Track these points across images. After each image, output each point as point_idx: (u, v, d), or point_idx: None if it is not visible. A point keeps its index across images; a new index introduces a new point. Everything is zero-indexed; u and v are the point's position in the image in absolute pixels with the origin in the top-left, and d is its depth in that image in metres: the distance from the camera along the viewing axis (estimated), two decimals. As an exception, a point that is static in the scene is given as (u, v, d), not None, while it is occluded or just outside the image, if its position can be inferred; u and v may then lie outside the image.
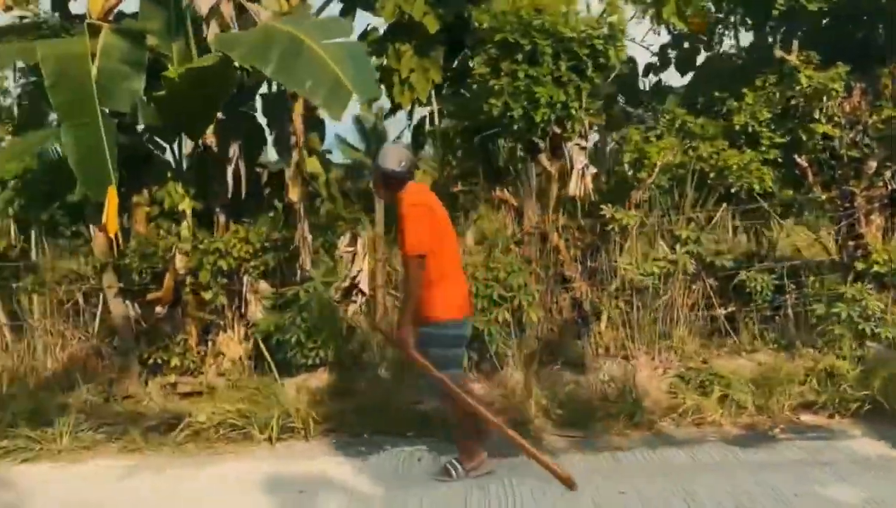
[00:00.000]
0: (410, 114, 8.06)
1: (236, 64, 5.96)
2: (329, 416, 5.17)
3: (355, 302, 6.67)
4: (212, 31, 6.36)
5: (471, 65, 6.47)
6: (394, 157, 4.14)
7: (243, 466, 4.47)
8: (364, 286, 6.60)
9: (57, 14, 7.51)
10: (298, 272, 6.75)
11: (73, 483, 4.34)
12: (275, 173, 7.89)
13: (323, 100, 4.98)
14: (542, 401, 5.22)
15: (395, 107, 7.56)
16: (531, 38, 5.78)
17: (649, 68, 8.91)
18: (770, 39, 7.45)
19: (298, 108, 7.58)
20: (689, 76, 8.32)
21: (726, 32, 8.12)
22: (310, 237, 6.31)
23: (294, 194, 7.48)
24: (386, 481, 4.25)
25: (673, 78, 10.43)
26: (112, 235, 6.33)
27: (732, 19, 7.77)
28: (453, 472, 4.19)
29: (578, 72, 5.97)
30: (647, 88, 8.98)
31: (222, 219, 7.03)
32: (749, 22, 7.58)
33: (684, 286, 6.57)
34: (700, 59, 8.34)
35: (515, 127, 5.97)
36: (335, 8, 7.10)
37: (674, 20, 6.81)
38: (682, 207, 6.51)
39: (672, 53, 8.61)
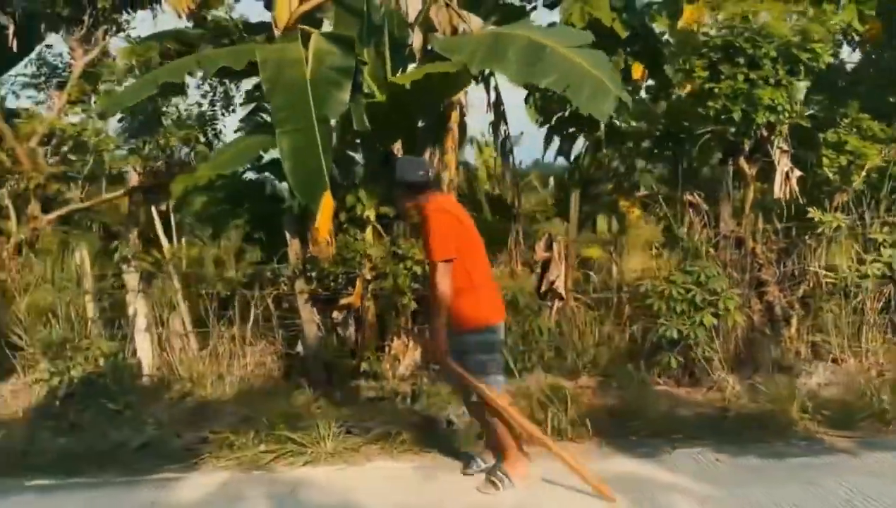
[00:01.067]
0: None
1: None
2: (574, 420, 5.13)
3: (550, 306, 6.69)
4: (417, 37, 6.39)
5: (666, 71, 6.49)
6: (412, 168, 4.18)
7: (543, 465, 4.46)
8: (561, 290, 6.60)
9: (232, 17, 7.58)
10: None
11: (373, 485, 4.31)
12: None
13: (585, 100, 4.98)
14: (805, 403, 5.18)
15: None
16: (754, 42, 5.81)
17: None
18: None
19: (455, 117, 7.63)
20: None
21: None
22: (522, 242, 6.27)
23: None
24: (716, 481, 4.20)
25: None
26: (323, 241, 6.35)
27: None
28: (499, 484, 4.13)
29: (792, 75, 6.00)
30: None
31: (403, 224, 7.04)
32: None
33: (874, 289, 6.59)
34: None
35: (733, 129, 5.99)
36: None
37: (856, 24, 6.85)
38: (879, 210, 6.52)
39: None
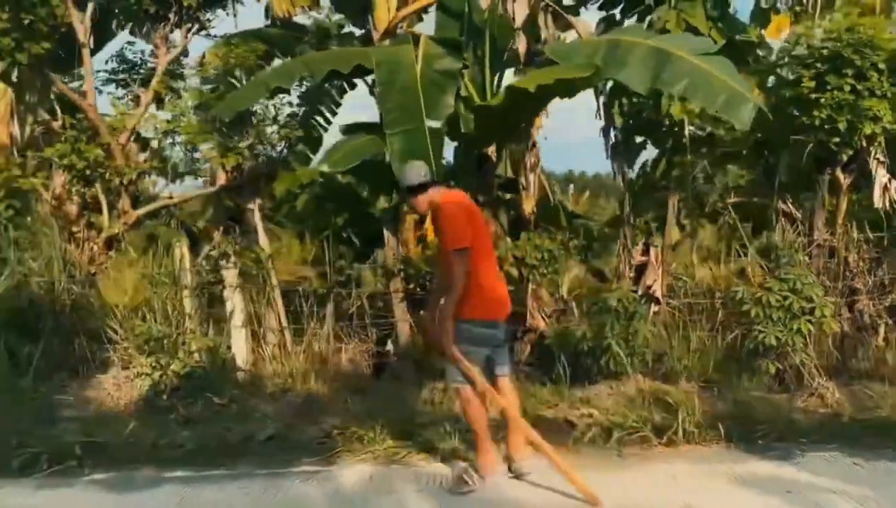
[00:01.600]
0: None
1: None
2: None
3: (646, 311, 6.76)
4: (522, 42, 6.48)
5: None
6: (413, 172, 4.37)
7: (682, 467, 4.53)
8: (659, 295, 6.68)
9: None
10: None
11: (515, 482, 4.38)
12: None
13: (721, 108, 5.05)
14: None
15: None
16: (861, 53, 5.91)
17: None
18: None
19: (539, 122, 7.73)
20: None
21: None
22: (630, 247, 6.34)
23: (528, 206, 7.64)
24: (862, 483, 4.25)
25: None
26: (433, 241, 6.43)
27: None
28: (469, 480, 4.23)
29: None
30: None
31: (494, 226, 7.12)
32: None
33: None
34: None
35: (837, 139, 6.08)
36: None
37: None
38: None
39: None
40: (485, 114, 6.28)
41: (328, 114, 8.24)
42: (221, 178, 7.66)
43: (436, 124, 6.02)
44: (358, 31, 8.56)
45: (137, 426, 5.18)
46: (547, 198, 8.79)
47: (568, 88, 5.73)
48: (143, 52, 8.66)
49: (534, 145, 6.80)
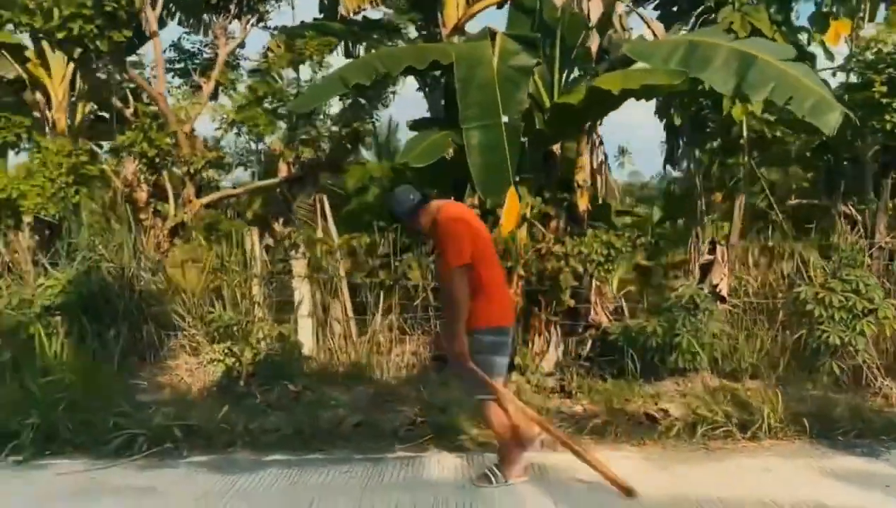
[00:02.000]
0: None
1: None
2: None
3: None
4: (595, 40, 6.56)
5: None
6: (402, 197, 4.34)
7: (773, 461, 4.62)
8: (725, 293, 6.77)
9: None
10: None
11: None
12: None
13: (809, 113, 5.13)
14: None
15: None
16: (937, 59, 6.02)
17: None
18: None
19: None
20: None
21: None
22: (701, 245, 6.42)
23: (582, 204, 7.73)
24: None
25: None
26: (506, 234, 6.51)
27: None
28: (493, 478, 4.22)
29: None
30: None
31: (558, 222, 7.22)
32: None
33: None
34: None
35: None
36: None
37: None
38: None
39: None
40: (560, 112, 6.36)
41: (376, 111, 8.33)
42: (283, 170, 7.75)
43: (512, 120, 6.11)
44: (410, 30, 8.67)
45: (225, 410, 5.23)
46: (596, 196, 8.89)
47: (649, 92, 5.80)
48: (200, 41, 8.74)
49: (601, 143, 6.87)
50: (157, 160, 6.99)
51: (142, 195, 7.08)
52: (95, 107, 8.64)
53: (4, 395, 5.09)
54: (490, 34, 6.42)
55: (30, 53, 8.29)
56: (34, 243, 6.76)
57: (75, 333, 6.18)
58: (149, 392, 6.04)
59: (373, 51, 7.92)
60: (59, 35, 5.86)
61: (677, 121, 7.56)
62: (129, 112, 7.19)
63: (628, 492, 4.00)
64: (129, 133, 6.91)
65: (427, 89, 9.22)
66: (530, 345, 6.95)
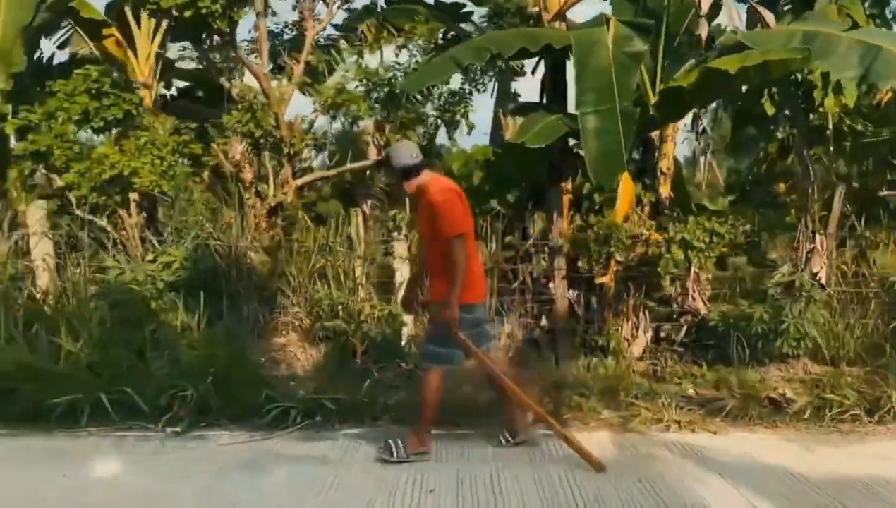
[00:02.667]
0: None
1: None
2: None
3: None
4: (704, 28, 6.62)
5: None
6: (405, 152, 4.32)
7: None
8: (824, 281, 6.88)
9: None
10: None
11: (768, 454, 4.56)
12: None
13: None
14: None
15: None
16: None
17: None
18: None
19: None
20: None
21: None
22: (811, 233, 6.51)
23: (665, 190, 7.82)
24: None
25: None
26: (619, 221, 6.60)
27: None
28: (394, 451, 4.26)
29: None
30: None
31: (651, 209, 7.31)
32: None
33: None
34: None
35: None
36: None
37: None
38: None
39: None
40: (669, 96, 6.44)
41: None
42: (372, 153, 7.82)
43: (627, 106, 6.20)
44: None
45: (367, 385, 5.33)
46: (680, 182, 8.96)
47: (762, 72, 5.87)
48: (286, 23, 8.78)
49: (703, 131, 6.96)
50: (262, 141, 7.05)
51: (247, 175, 7.15)
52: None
53: (147, 369, 5.16)
54: (605, 20, 6.48)
55: (107, 31, 8.34)
56: (141, 220, 6.82)
57: (192, 310, 6.26)
58: (267, 368, 6.14)
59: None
60: (187, 13, 5.90)
61: (770, 111, 7.60)
62: (236, 91, 7.24)
63: (599, 467, 4.07)
64: (234, 112, 6.97)
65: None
66: (619, 330, 7.07)
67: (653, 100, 6.55)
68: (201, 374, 5.03)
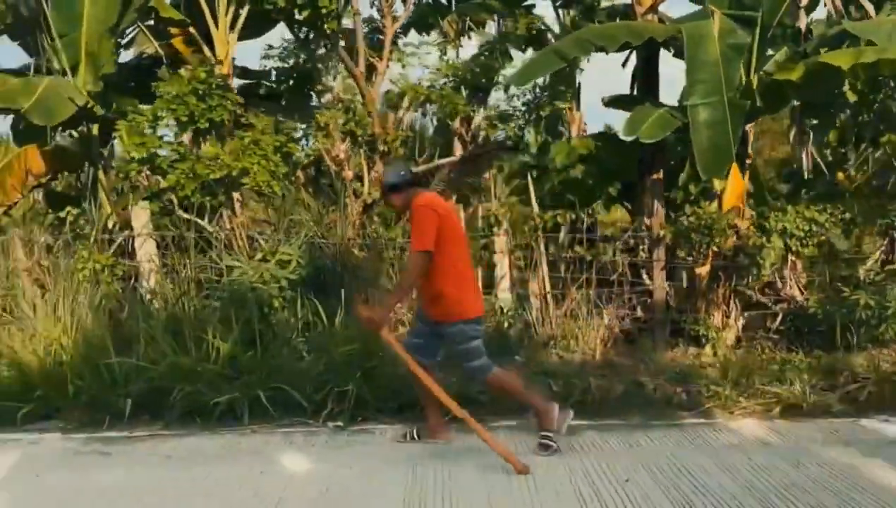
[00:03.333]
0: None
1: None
2: None
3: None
4: (803, 19, 6.73)
5: None
6: (393, 171, 4.57)
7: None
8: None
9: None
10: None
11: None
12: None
13: None
14: None
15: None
16: None
17: None
18: None
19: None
20: None
21: None
22: None
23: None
24: None
25: None
26: (726, 210, 6.70)
27: None
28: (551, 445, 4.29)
29: None
30: None
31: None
32: None
33: None
34: None
35: None
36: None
37: None
38: None
39: None
40: (773, 88, 6.54)
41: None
42: (458, 149, 7.89)
43: (735, 98, 6.29)
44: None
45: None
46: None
47: (874, 69, 5.97)
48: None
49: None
50: (360, 138, 7.10)
51: (348, 173, 7.20)
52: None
53: (300, 365, 5.22)
54: (710, 12, 6.56)
55: (174, 30, 8.37)
56: (247, 220, 6.86)
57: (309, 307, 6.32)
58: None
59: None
60: (304, 13, 5.93)
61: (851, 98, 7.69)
62: (338, 90, 7.29)
63: (523, 470, 3.96)
64: (331, 111, 7.02)
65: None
66: (712, 318, 7.18)
67: (755, 88, 6.63)
68: (350, 370, 5.10)
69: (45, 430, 4.86)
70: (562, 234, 7.07)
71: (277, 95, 9.00)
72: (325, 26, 6.27)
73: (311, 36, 6.62)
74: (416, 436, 4.57)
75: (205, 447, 4.52)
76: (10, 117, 8.00)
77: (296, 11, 6.13)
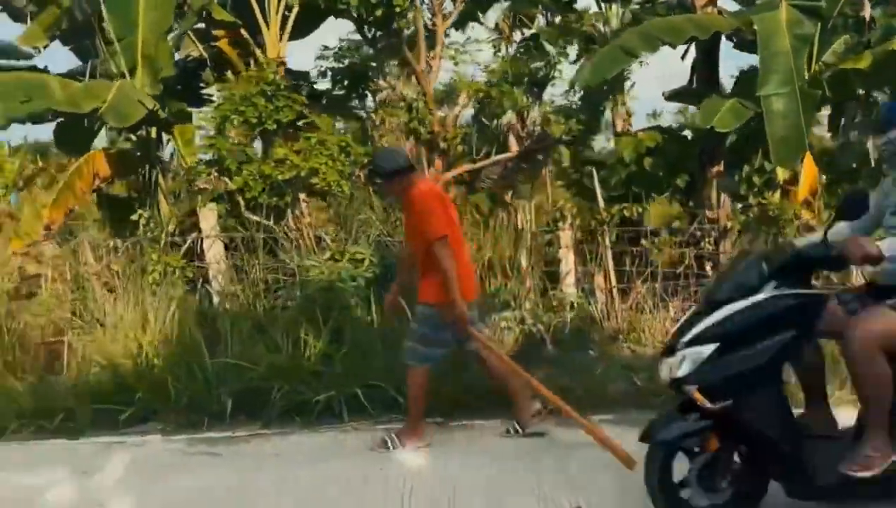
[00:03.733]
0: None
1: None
2: None
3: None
4: (867, 9, 6.73)
5: None
6: (391, 157, 4.41)
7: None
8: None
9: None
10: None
11: None
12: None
13: None
14: None
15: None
16: None
17: None
18: None
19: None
20: None
21: None
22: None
23: None
24: None
25: None
26: (799, 201, 6.71)
27: None
28: (390, 444, 4.28)
29: None
30: None
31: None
32: None
33: None
34: None
35: None
36: None
37: None
38: None
39: None
40: (840, 78, 6.55)
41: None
42: (513, 145, 7.90)
43: (806, 87, 6.30)
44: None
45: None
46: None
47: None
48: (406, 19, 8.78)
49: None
50: (422, 136, 7.12)
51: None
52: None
53: (387, 362, 5.23)
54: (777, 3, 6.57)
55: (218, 32, 8.39)
56: (314, 220, 6.88)
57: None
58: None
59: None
60: (378, 12, 5.94)
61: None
62: (401, 89, 7.30)
63: (629, 462, 3.61)
64: (398, 111, 7.03)
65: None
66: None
67: (823, 78, 6.65)
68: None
69: (145, 433, 4.87)
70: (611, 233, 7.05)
71: (322, 95, 9.03)
72: (396, 25, 6.27)
73: (378, 35, 6.60)
74: (518, 430, 4.56)
75: (310, 445, 4.53)
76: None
77: (363, 11, 6.09)
